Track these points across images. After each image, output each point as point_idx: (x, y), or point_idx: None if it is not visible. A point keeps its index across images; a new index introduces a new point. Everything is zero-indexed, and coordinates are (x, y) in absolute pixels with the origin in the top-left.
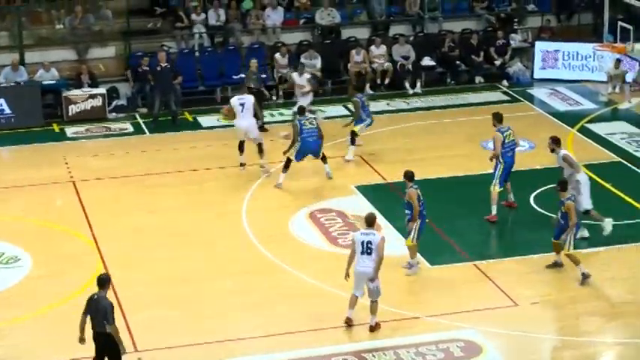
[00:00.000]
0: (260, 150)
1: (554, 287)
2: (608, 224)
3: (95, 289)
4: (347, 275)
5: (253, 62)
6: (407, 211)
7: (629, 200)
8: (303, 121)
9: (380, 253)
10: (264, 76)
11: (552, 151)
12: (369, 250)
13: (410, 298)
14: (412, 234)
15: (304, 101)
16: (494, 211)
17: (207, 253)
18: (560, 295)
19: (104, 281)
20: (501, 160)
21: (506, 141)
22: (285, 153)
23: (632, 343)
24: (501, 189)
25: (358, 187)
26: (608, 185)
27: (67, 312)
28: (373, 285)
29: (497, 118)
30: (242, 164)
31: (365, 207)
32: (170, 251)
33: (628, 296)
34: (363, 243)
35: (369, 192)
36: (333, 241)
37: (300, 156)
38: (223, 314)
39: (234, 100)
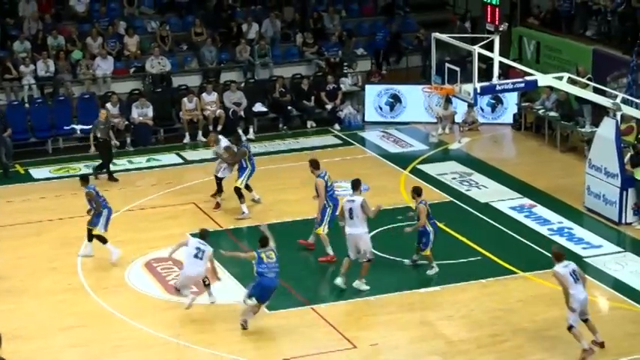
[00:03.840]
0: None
1: (393, 328)
2: None
3: None
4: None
5: (103, 112)
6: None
7: (463, 239)
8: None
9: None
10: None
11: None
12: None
13: (249, 345)
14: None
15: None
16: (330, 252)
17: (43, 306)
18: (399, 335)
19: None
20: (330, 204)
21: (328, 184)
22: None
23: None
24: (329, 230)
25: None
26: (441, 225)
27: None
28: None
29: (315, 165)
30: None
31: None
32: (3, 306)
33: (465, 334)
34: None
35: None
36: (170, 290)
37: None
38: None
39: None
